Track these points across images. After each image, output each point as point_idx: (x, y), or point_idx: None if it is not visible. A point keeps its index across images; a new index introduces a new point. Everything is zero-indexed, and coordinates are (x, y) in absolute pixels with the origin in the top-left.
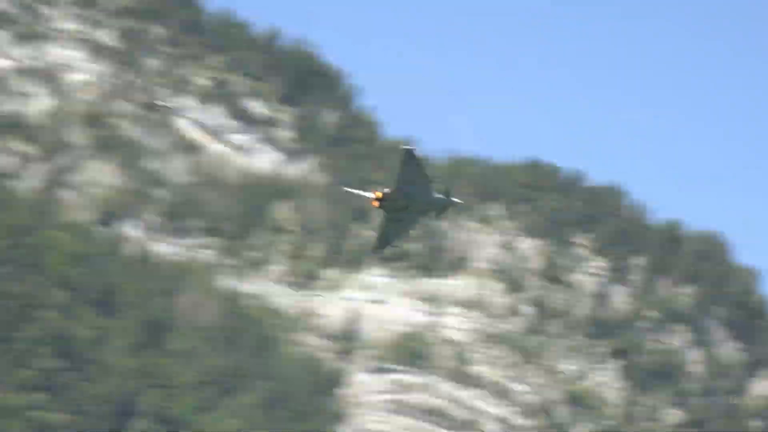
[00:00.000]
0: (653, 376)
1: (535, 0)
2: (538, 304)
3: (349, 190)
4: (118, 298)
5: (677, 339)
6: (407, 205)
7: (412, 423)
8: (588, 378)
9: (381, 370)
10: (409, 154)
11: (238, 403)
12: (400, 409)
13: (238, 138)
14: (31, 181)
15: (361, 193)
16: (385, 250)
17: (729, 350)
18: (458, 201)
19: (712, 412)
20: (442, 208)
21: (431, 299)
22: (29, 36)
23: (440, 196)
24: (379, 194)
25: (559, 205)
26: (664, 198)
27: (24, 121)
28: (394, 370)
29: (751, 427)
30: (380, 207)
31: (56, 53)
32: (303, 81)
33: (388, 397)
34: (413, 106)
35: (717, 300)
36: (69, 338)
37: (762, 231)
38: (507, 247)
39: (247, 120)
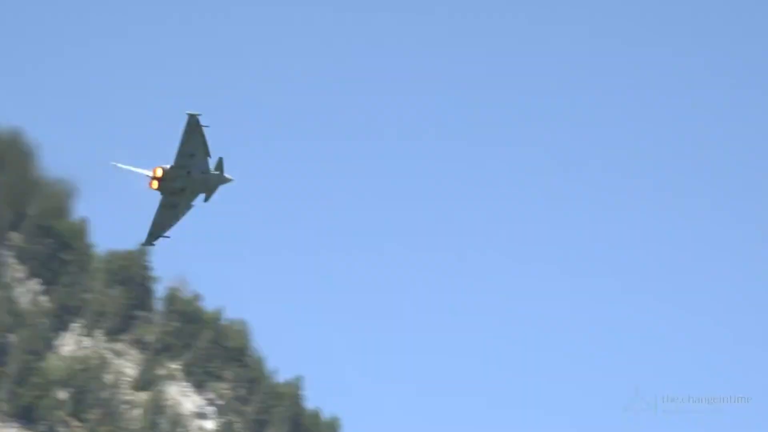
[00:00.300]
0: None
1: None
2: None
3: (121, 165)
4: None
5: None
6: (185, 186)
7: None
8: None
9: None
10: (195, 121)
11: None
12: None
13: None
14: None
15: (135, 170)
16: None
17: (28, 293)
18: (230, 178)
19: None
20: (215, 187)
21: None
22: None
23: (216, 172)
24: (159, 172)
25: None
26: None
27: None
28: None
29: (55, 398)
30: (159, 189)
31: None
32: None
33: None
34: None
35: (14, 224)
36: None
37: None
38: None
39: None
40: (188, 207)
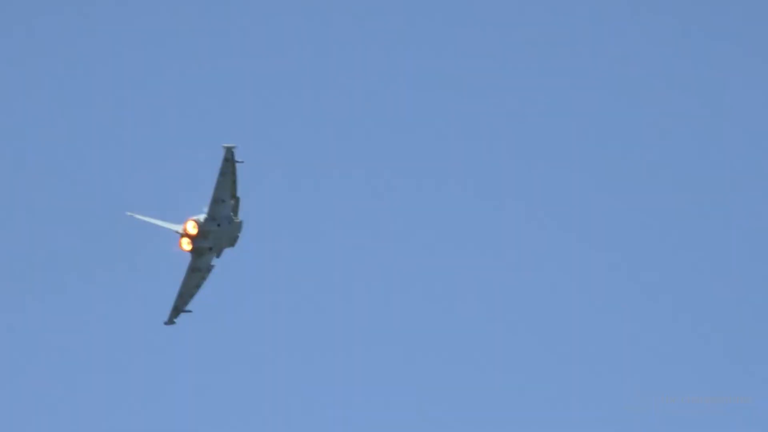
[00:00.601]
0: None
1: None
2: None
3: (140, 217)
4: None
5: None
6: (214, 243)
7: None
8: None
9: None
10: (231, 156)
11: None
12: None
13: None
14: None
15: (163, 225)
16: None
17: None
18: (241, 222)
19: None
20: (236, 238)
21: None
22: None
23: (237, 219)
24: (192, 228)
25: None
26: None
27: None
28: None
29: None
30: (192, 250)
31: None
32: None
33: None
34: None
35: None
36: None
37: None
38: None
39: None
40: (210, 269)
